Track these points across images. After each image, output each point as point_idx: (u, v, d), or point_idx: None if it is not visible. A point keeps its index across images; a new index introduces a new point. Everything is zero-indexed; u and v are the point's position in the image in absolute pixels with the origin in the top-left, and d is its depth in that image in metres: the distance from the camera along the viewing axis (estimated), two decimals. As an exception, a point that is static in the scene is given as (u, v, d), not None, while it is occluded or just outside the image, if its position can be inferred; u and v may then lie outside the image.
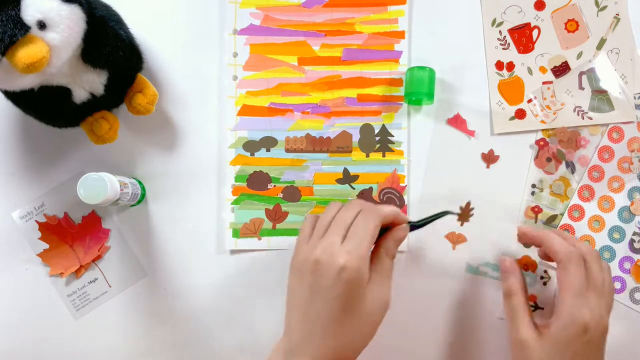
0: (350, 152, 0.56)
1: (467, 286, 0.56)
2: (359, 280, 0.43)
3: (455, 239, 0.56)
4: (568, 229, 0.55)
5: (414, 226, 0.49)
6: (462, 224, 0.55)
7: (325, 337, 0.43)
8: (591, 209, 0.55)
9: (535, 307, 0.56)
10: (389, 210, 0.47)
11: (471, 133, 0.56)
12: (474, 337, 0.56)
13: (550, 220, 0.55)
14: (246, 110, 0.57)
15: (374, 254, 0.46)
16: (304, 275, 0.44)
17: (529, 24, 0.56)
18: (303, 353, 0.43)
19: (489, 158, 0.56)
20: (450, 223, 0.56)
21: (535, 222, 0.55)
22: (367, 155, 0.56)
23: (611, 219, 0.55)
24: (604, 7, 0.55)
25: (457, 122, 0.56)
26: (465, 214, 0.55)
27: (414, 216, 0.56)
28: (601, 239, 0.55)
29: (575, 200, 0.55)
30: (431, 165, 0.56)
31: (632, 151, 0.55)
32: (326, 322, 0.43)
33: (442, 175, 0.56)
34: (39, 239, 0.56)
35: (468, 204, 0.55)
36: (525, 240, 0.54)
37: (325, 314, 0.43)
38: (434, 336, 0.56)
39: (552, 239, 0.49)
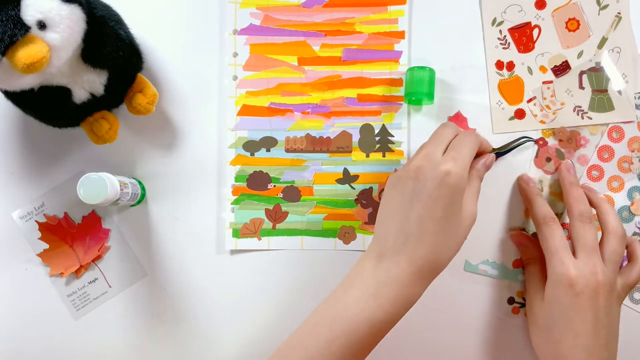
0: (350, 152, 0.56)
1: (465, 285, 0.56)
2: (461, 187, 0.44)
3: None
4: (568, 228, 0.55)
5: (498, 154, 0.53)
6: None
7: (423, 239, 0.44)
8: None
9: (536, 307, 0.56)
10: (482, 137, 0.51)
11: (472, 131, 0.56)
12: (473, 336, 0.56)
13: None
14: (246, 110, 0.57)
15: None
16: (404, 182, 0.45)
17: (529, 23, 0.56)
18: (400, 254, 0.44)
19: (489, 157, 0.56)
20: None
21: (536, 222, 0.55)
22: (367, 155, 0.56)
23: (611, 218, 0.55)
24: (605, 6, 0.55)
25: (458, 119, 0.56)
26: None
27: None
28: (601, 239, 0.55)
29: (575, 199, 0.55)
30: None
31: (633, 151, 0.55)
32: (426, 225, 0.44)
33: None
34: (39, 239, 0.56)
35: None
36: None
37: (427, 217, 0.44)
38: (431, 335, 0.56)
39: (530, 202, 0.53)
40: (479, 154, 0.50)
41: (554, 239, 0.50)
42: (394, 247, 0.44)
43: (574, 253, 0.49)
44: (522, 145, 0.55)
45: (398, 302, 0.44)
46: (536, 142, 0.55)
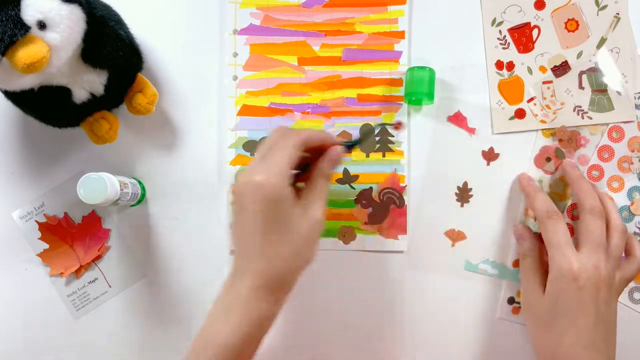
0: (350, 152, 0.56)
1: (465, 284, 0.56)
2: (279, 197, 0.43)
3: (455, 237, 0.56)
4: (568, 228, 0.55)
5: (351, 145, 0.49)
6: (462, 205, 0.55)
7: (257, 253, 0.43)
8: (591, 208, 0.55)
9: (536, 307, 0.56)
10: (313, 132, 0.48)
11: (472, 130, 0.56)
12: (472, 335, 0.56)
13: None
14: (246, 110, 0.57)
15: (310, 175, 0.47)
16: (235, 200, 0.45)
17: (528, 23, 0.56)
18: (241, 273, 0.44)
19: (490, 156, 0.56)
20: (451, 218, 0.56)
21: (535, 220, 0.55)
22: (367, 155, 0.56)
23: (611, 218, 0.55)
24: (604, 7, 0.55)
25: (457, 119, 0.56)
26: (464, 195, 0.55)
27: (412, 217, 0.56)
28: (601, 239, 0.55)
29: (575, 198, 0.55)
30: (432, 163, 0.56)
31: (632, 151, 0.55)
32: (256, 240, 0.43)
33: (442, 173, 0.56)
34: (39, 239, 0.56)
35: (465, 183, 0.55)
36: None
37: (254, 232, 0.43)
38: (432, 335, 0.56)
39: (532, 197, 0.53)
40: (325, 147, 0.47)
41: (558, 233, 0.49)
42: (239, 266, 0.44)
43: (577, 247, 0.49)
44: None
45: (246, 322, 0.43)
46: (395, 126, 0.54)
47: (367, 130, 0.53)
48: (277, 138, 0.46)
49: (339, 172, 0.56)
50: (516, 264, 0.56)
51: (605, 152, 0.55)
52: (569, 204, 0.55)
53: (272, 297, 0.44)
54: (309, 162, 0.48)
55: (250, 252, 0.44)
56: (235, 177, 0.46)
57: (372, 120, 0.56)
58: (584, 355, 0.46)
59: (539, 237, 0.52)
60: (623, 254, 0.52)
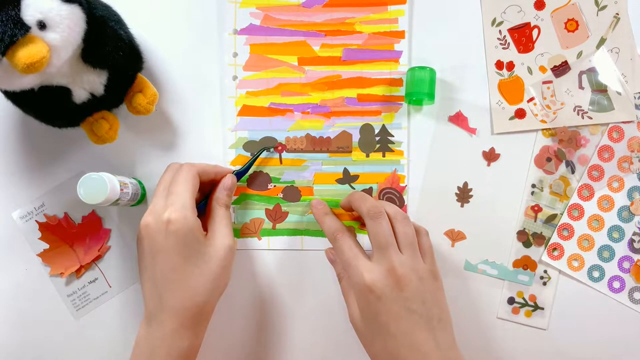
0: (350, 152, 0.56)
1: (465, 284, 0.56)
2: (189, 229, 0.44)
3: (455, 236, 0.56)
4: (567, 228, 0.55)
5: (238, 173, 0.53)
6: (462, 205, 0.55)
7: (176, 290, 0.44)
8: (591, 208, 0.55)
9: (535, 307, 0.56)
10: (205, 164, 0.50)
11: (472, 131, 0.56)
12: (473, 336, 0.56)
13: (550, 220, 0.55)
14: (246, 111, 0.57)
15: (209, 208, 0.50)
16: (142, 242, 0.46)
17: (528, 23, 0.56)
18: (160, 314, 0.44)
19: (490, 156, 0.56)
20: (450, 218, 0.56)
21: (535, 221, 0.56)
22: (367, 155, 0.56)
23: (611, 218, 0.55)
24: (604, 7, 0.55)
25: (458, 119, 0.56)
26: (464, 195, 0.55)
27: (412, 217, 0.56)
28: (600, 239, 0.55)
29: (574, 199, 0.55)
30: (432, 163, 0.56)
31: (632, 151, 0.55)
32: (172, 277, 0.44)
33: (442, 173, 0.56)
34: (39, 239, 0.56)
35: (465, 184, 0.55)
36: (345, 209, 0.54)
37: (169, 269, 0.44)
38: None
39: (321, 222, 0.52)
40: (217, 181, 0.51)
41: (345, 249, 0.48)
42: (153, 307, 0.45)
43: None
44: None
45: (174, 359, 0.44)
46: (275, 148, 0.55)
47: (253, 156, 0.55)
48: (171, 174, 0.48)
49: (338, 172, 0.56)
50: (516, 264, 0.56)
51: (605, 152, 0.55)
52: (569, 203, 0.56)
53: (192, 332, 0.45)
54: (202, 198, 0.51)
55: (166, 291, 0.44)
56: (140, 227, 0.47)
57: (372, 121, 0.56)
58: (408, 356, 0.44)
59: None
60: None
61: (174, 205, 0.45)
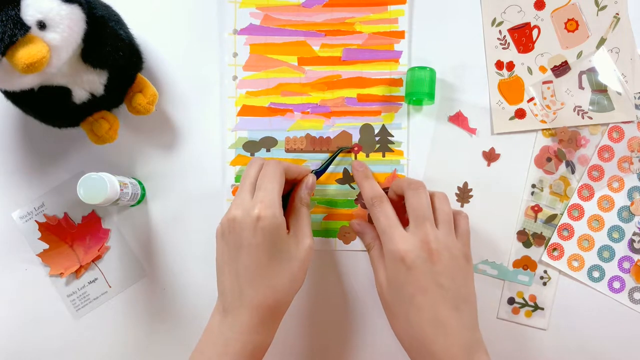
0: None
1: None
2: (277, 226, 0.44)
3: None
4: (567, 228, 0.55)
5: (317, 172, 0.53)
6: (462, 205, 0.55)
7: (257, 287, 0.44)
8: (591, 208, 0.55)
9: (535, 307, 0.56)
10: (288, 162, 0.51)
11: (472, 131, 0.56)
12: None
13: (550, 220, 0.55)
14: (246, 111, 0.57)
15: (291, 206, 0.49)
16: (227, 236, 0.46)
17: (528, 23, 0.56)
18: (240, 307, 0.44)
19: (490, 156, 0.56)
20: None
21: (535, 220, 0.56)
22: (367, 156, 0.56)
23: (611, 218, 0.55)
24: (604, 7, 0.55)
25: (458, 119, 0.56)
26: (464, 195, 0.55)
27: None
28: (600, 239, 0.55)
29: (575, 199, 0.55)
30: (432, 163, 0.56)
31: (632, 151, 0.55)
32: (255, 273, 0.44)
33: (442, 172, 0.56)
34: (39, 239, 0.56)
35: (465, 184, 0.55)
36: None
37: (253, 266, 0.44)
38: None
39: (361, 185, 0.53)
40: (297, 180, 0.51)
41: (382, 217, 0.48)
42: (232, 301, 0.45)
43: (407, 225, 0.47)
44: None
45: (247, 354, 0.44)
46: (351, 149, 0.56)
47: (331, 156, 0.55)
48: (256, 169, 0.48)
49: (338, 172, 0.56)
50: (516, 264, 0.56)
51: (605, 152, 0.55)
52: (569, 203, 0.56)
53: (267, 329, 0.45)
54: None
55: (248, 287, 0.44)
56: (223, 219, 0.47)
57: (372, 121, 0.56)
58: (429, 331, 0.44)
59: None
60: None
61: (263, 202, 0.44)
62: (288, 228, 0.47)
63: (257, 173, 0.48)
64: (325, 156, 0.56)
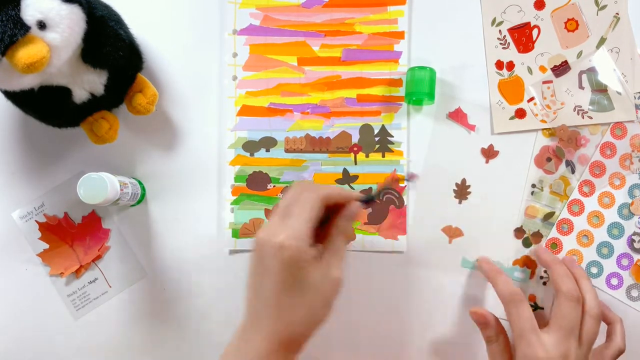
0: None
1: (462, 281, 0.56)
2: (300, 258, 0.42)
3: (452, 233, 0.56)
4: (567, 223, 0.55)
5: (368, 201, 0.47)
6: (459, 202, 0.55)
7: (274, 315, 0.43)
8: (591, 204, 0.55)
9: (535, 307, 0.56)
10: (331, 188, 0.46)
11: (472, 127, 0.56)
12: (473, 335, 0.56)
13: (548, 217, 0.55)
14: (246, 111, 0.57)
15: (327, 233, 0.45)
16: (255, 255, 0.44)
17: (528, 23, 0.56)
18: (255, 332, 0.43)
19: (489, 153, 0.56)
20: (448, 214, 0.55)
21: (534, 220, 0.55)
22: (367, 156, 0.56)
23: (611, 215, 0.55)
24: (604, 7, 0.55)
25: (457, 116, 0.56)
26: (462, 192, 0.55)
27: (410, 213, 0.56)
28: (600, 235, 0.55)
29: (575, 195, 0.55)
30: (430, 159, 0.56)
31: (634, 150, 0.55)
32: (273, 301, 0.42)
33: (441, 169, 0.56)
34: (39, 239, 0.56)
35: (464, 180, 0.55)
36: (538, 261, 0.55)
37: (271, 293, 0.42)
38: (432, 334, 0.56)
39: (494, 281, 0.51)
40: (341, 205, 0.45)
41: (521, 318, 0.47)
42: (252, 324, 0.44)
43: (546, 325, 0.48)
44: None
45: None
46: (410, 177, 0.55)
47: (382, 187, 0.55)
48: (297, 195, 0.44)
49: (338, 172, 0.56)
50: (514, 262, 0.56)
51: (607, 149, 0.55)
52: (570, 199, 0.55)
53: (287, 356, 0.43)
54: (324, 218, 0.46)
55: (266, 312, 0.43)
56: (256, 234, 0.45)
57: (372, 121, 0.56)
58: None
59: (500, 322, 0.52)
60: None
61: (288, 231, 0.42)
62: (321, 257, 0.45)
63: (295, 197, 0.45)
64: (325, 156, 0.56)
